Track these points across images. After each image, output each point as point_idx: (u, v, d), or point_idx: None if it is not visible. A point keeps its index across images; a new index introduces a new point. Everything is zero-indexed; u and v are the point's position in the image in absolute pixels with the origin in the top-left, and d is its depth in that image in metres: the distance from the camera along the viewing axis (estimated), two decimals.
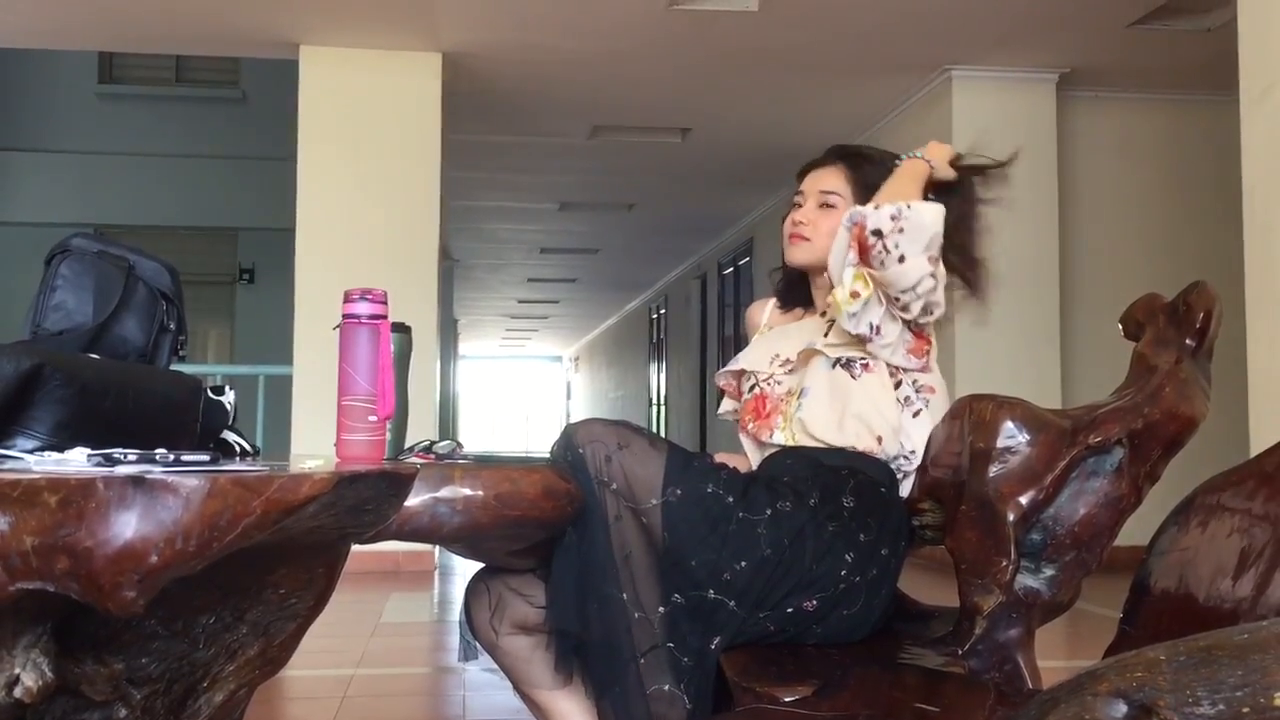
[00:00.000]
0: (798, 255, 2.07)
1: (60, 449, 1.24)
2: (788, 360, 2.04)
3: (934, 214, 1.82)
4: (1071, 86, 6.65)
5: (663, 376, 16.66)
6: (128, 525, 0.83)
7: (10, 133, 10.82)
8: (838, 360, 1.93)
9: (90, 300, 1.54)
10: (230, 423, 1.81)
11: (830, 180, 2.06)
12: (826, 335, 1.98)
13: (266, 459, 2.12)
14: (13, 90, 10.79)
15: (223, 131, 11.01)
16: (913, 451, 1.88)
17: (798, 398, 1.95)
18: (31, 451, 1.25)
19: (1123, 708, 0.65)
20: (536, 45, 6.24)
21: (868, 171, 2.05)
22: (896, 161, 2.03)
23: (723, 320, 12.57)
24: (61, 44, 7.41)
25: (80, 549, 0.83)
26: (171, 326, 1.64)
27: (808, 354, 1.98)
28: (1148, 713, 0.64)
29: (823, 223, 2.03)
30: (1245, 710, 0.61)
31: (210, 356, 11.45)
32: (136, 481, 0.85)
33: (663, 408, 16.66)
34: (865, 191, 2.02)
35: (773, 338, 2.14)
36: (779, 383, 2.03)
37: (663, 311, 16.47)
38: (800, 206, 2.08)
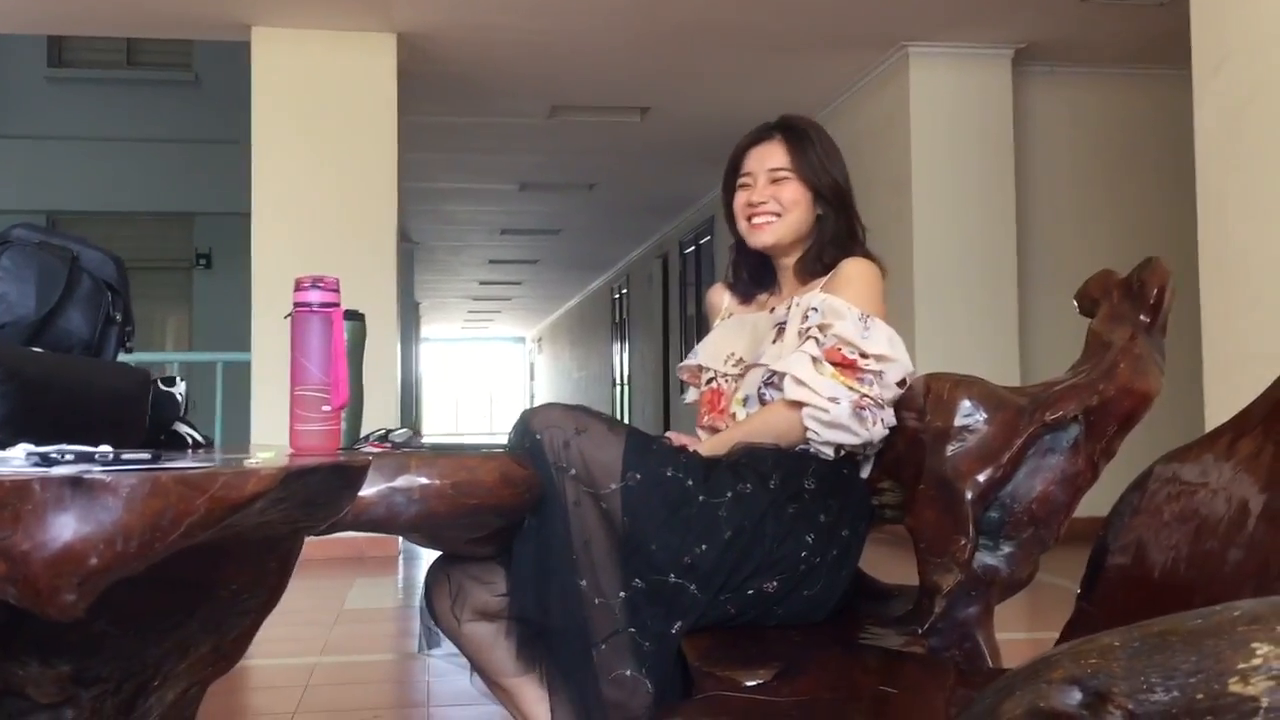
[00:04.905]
0: (767, 236, 2.03)
1: (2, 446, 1.21)
2: (740, 360, 2.03)
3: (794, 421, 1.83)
4: (1027, 62, 6.68)
5: (626, 357, 16.65)
6: (66, 527, 0.81)
7: None
8: (769, 379, 1.92)
9: (33, 292, 1.51)
10: (182, 414, 1.78)
11: (775, 157, 2.03)
12: (775, 341, 1.97)
13: (226, 448, 2.09)
14: None
15: (176, 115, 10.84)
16: (868, 443, 1.86)
17: (743, 404, 1.96)
18: None
19: (1077, 695, 0.65)
20: (492, 25, 6.19)
21: (807, 148, 2.02)
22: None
23: (684, 299, 12.57)
24: (8, 28, 7.26)
25: (17, 553, 0.81)
26: (118, 318, 1.61)
27: (752, 364, 1.98)
28: (1102, 700, 0.63)
29: (784, 195, 2.01)
30: (1199, 697, 0.60)
31: (169, 344, 11.32)
32: (74, 482, 0.82)
33: (626, 388, 16.65)
34: (807, 168, 2.01)
35: (730, 331, 2.12)
36: (732, 380, 2.03)
37: (625, 291, 16.44)
38: (750, 187, 2.05)
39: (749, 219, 2.04)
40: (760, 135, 2.07)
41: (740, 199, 2.06)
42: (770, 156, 2.03)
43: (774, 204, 2.01)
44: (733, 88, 7.30)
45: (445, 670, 3.44)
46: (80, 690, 1.11)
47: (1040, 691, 0.66)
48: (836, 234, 2.01)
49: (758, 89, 7.23)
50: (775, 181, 2.02)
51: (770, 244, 2.04)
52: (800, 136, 2.04)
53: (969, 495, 1.68)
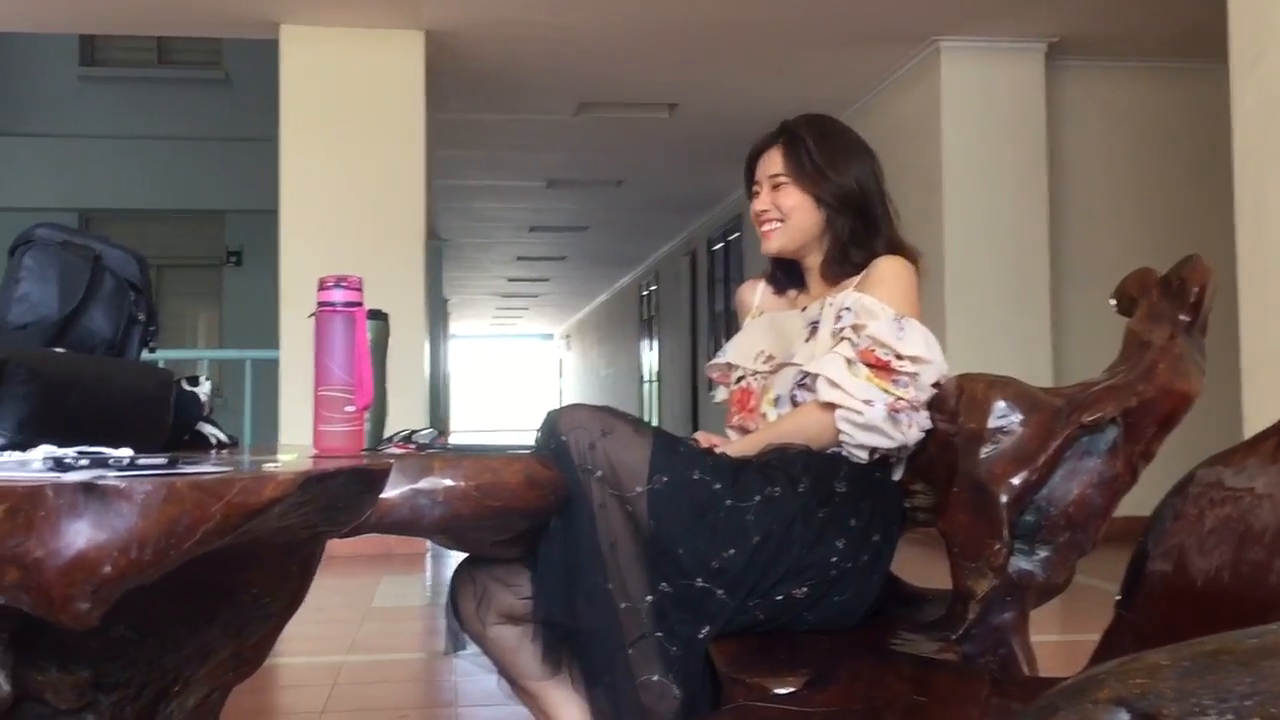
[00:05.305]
0: (772, 244, 2.03)
1: (24, 448, 1.20)
2: (771, 357, 2.01)
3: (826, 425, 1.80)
4: (1060, 56, 6.59)
5: (654, 354, 16.62)
6: (79, 534, 0.79)
7: None
8: (802, 380, 1.89)
9: (55, 292, 1.50)
10: (206, 414, 1.77)
11: (774, 163, 2.02)
12: (808, 340, 1.95)
13: (255, 447, 2.07)
14: None
15: (207, 113, 10.90)
16: (903, 446, 1.83)
17: (774, 404, 1.93)
18: None
19: (1125, 716, 0.61)
20: (520, 21, 6.17)
21: (801, 154, 1.99)
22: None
23: (713, 296, 12.52)
24: (42, 27, 7.31)
25: (30, 560, 0.79)
26: (141, 317, 1.59)
27: (783, 363, 1.96)
28: None
29: (783, 202, 2.00)
30: None
31: (200, 341, 11.39)
32: (88, 488, 0.81)
33: (655, 385, 16.61)
34: (802, 174, 1.98)
35: (761, 329, 2.10)
36: (762, 379, 2.00)
37: (653, 288, 16.41)
38: (758, 195, 2.05)
39: (759, 227, 2.04)
40: (766, 141, 2.06)
41: (752, 206, 2.07)
42: (770, 163, 2.02)
43: (775, 211, 2.01)
44: (761, 84, 7.25)
45: (473, 670, 3.43)
46: (100, 696, 1.09)
47: (1085, 713, 0.63)
48: (854, 234, 1.98)
49: (787, 85, 7.19)
50: (776, 188, 2.01)
51: (775, 251, 2.03)
52: (796, 142, 2.00)
53: (1004, 499, 1.64)
